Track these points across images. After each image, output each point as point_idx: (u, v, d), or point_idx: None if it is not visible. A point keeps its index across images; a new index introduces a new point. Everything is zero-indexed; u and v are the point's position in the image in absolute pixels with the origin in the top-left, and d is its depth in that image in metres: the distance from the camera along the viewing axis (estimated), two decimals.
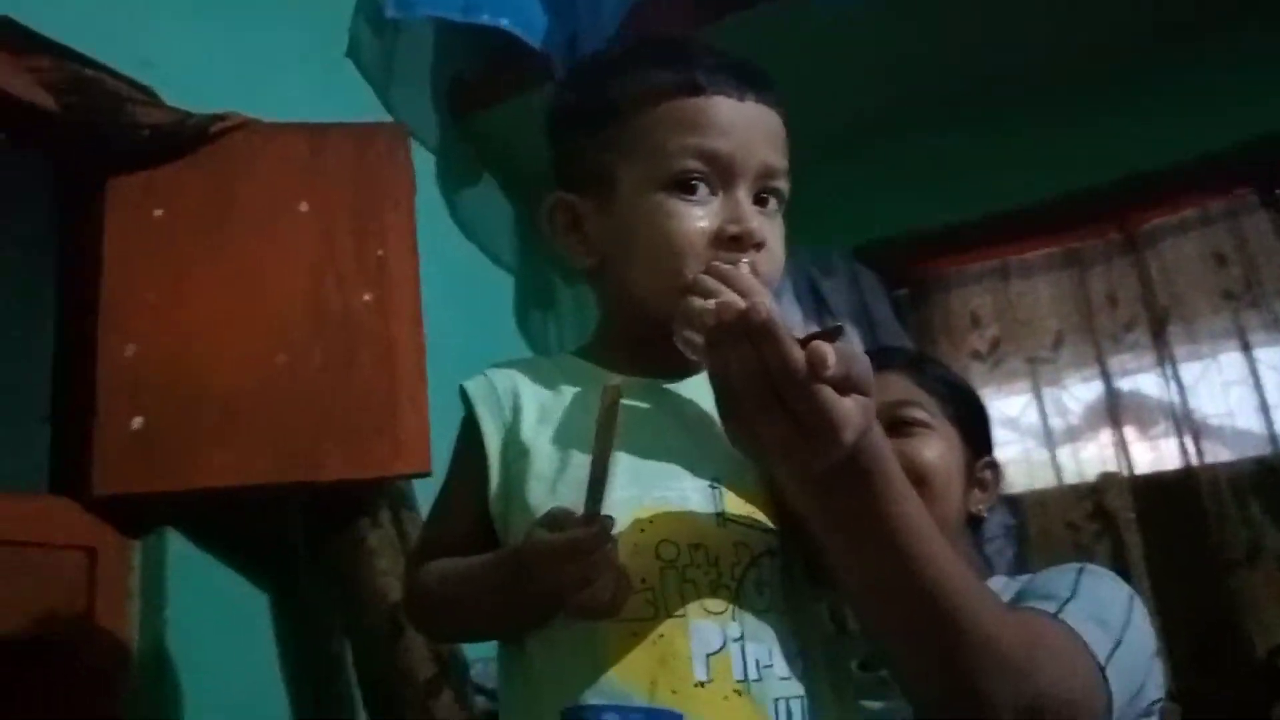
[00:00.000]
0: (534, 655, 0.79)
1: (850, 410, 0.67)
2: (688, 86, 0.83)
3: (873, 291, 2.56)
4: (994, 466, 1.23)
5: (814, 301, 2.43)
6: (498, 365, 0.91)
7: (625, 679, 0.73)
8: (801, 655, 0.78)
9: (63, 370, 1.56)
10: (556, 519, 0.73)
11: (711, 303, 0.70)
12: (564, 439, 0.82)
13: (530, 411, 0.85)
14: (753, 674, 0.74)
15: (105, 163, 1.55)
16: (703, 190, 0.82)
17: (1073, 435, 2.50)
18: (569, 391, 0.86)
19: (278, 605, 1.63)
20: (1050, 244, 2.53)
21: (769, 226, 0.83)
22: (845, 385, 0.67)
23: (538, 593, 0.73)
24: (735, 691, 0.73)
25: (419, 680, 1.54)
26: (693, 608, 0.75)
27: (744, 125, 0.83)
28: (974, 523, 1.21)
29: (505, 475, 0.83)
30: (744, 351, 0.66)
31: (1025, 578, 1.10)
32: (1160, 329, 2.37)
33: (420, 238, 1.66)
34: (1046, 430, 2.53)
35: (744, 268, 0.78)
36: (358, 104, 2.08)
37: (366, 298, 1.59)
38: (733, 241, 0.80)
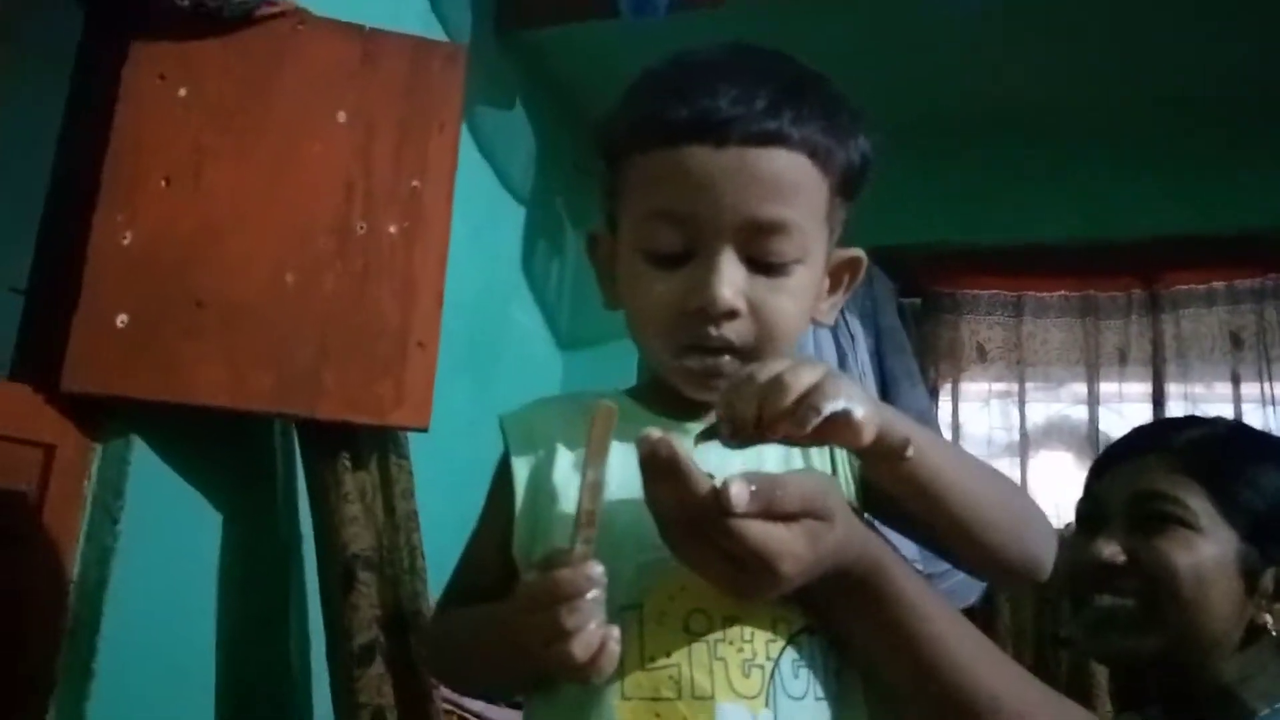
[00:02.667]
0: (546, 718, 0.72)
1: (787, 541, 0.62)
2: (661, 134, 0.72)
3: (884, 297, 2.50)
4: None
5: None
6: (543, 400, 0.84)
7: None
8: None
9: (47, 243, 1.42)
10: (546, 558, 0.66)
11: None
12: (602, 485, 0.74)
13: (566, 454, 0.77)
14: None
15: (134, 22, 1.40)
16: (680, 255, 0.72)
17: (1053, 481, 2.51)
18: (617, 439, 0.77)
19: (240, 531, 1.53)
20: (1070, 286, 2.50)
21: (766, 288, 0.72)
22: (776, 515, 0.62)
23: (520, 646, 0.65)
24: None
25: (354, 644, 1.44)
26: (721, 689, 0.67)
27: (718, 178, 0.70)
28: None
29: (532, 521, 0.76)
30: (664, 485, 0.63)
31: None
32: (1160, 396, 2.36)
33: None
34: (1024, 470, 2.53)
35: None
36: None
37: (393, 229, 1.47)
38: (698, 314, 0.71)
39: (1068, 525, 2.37)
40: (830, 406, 0.61)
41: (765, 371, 0.62)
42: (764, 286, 0.72)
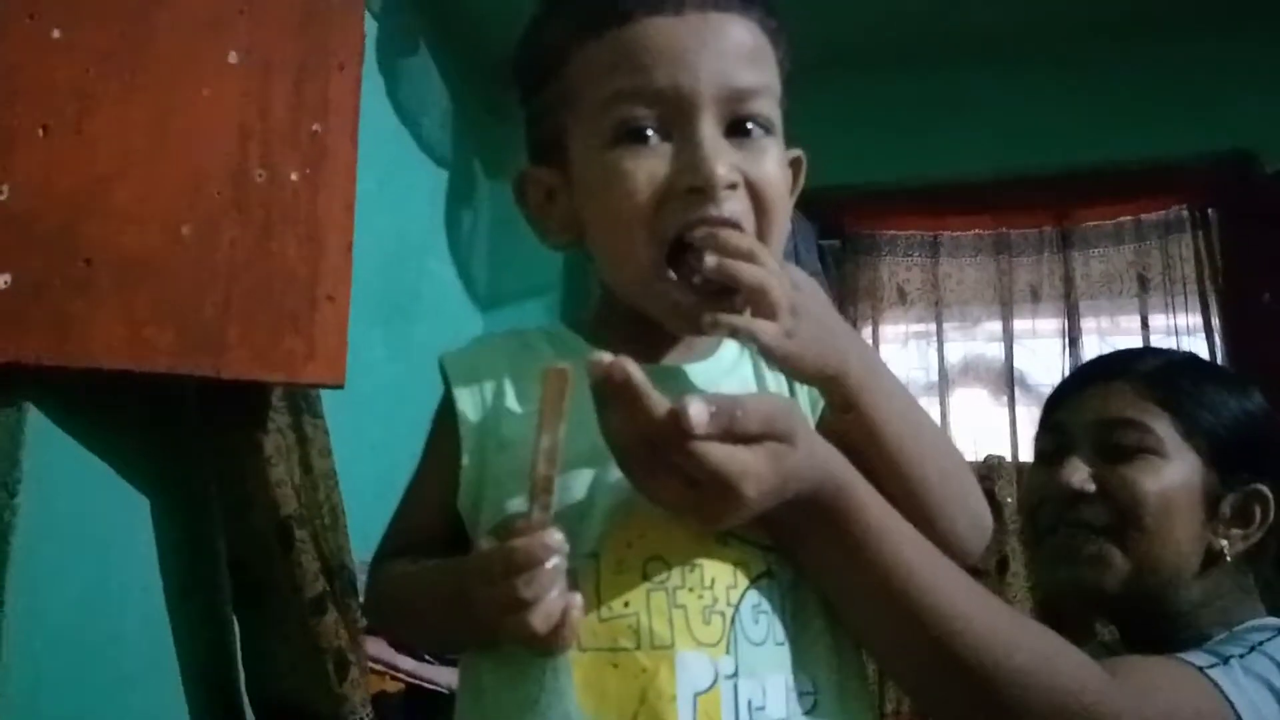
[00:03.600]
0: (488, 678, 0.70)
1: (749, 463, 0.61)
2: (608, 15, 0.68)
3: (805, 239, 2.50)
4: (1260, 498, 1.03)
5: None
6: (486, 338, 0.79)
7: (598, 716, 0.64)
8: (806, 692, 0.69)
9: None
10: (503, 526, 0.63)
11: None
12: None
13: (515, 398, 0.73)
14: (743, 716, 0.65)
15: None
16: (654, 138, 0.68)
17: (970, 416, 2.56)
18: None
19: (155, 501, 1.46)
20: (985, 224, 2.54)
21: (750, 157, 0.68)
22: (736, 438, 0.60)
23: (476, 615, 0.63)
24: None
25: (305, 597, 1.43)
26: (681, 637, 0.65)
27: (687, 45, 0.67)
28: (1252, 562, 1.05)
29: (479, 470, 0.72)
30: (618, 411, 0.61)
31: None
32: (1075, 334, 2.42)
33: None
34: (944, 408, 2.57)
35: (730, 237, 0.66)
36: None
37: (294, 175, 1.40)
38: (693, 194, 0.66)
39: (986, 459, 2.45)
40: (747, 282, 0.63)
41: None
42: (749, 154, 0.69)
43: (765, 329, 0.64)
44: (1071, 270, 2.44)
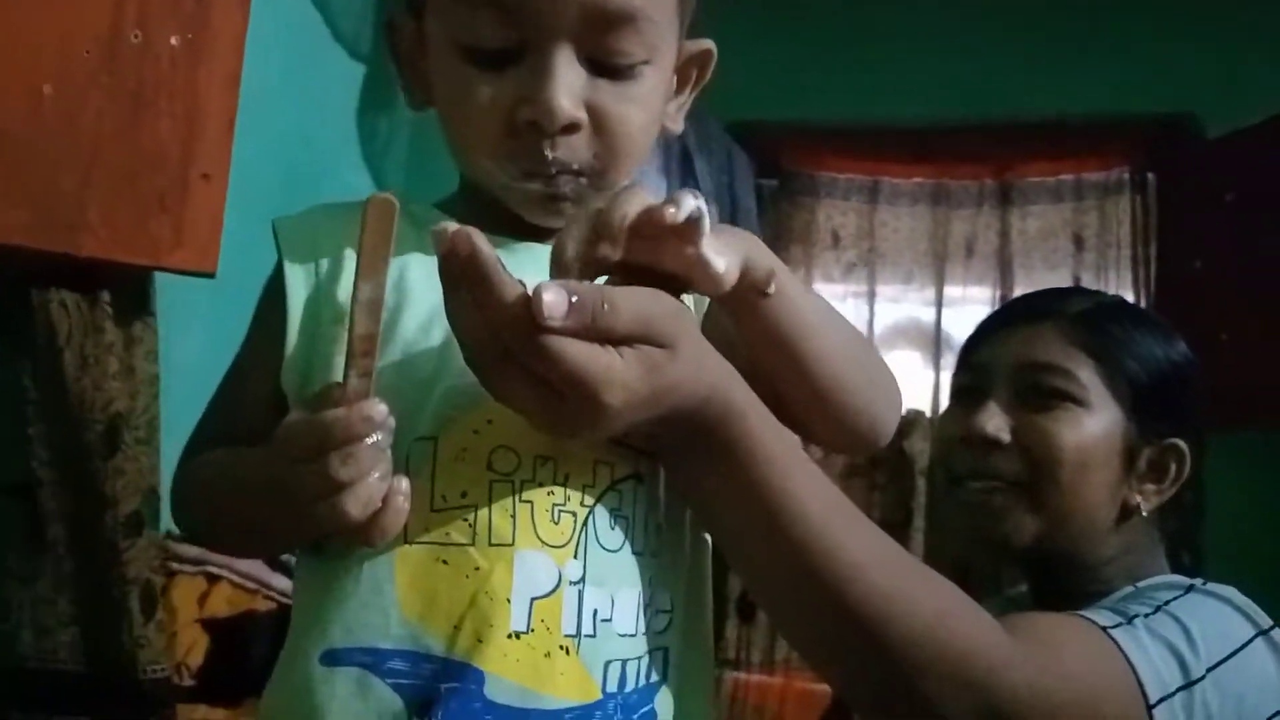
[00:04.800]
0: (311, 575, 0.61)
1: (613, 368, 0.51)
2: None
3: (743, 176, 2.43)
4: (1176, 452, 0.98)
5: (681, 170, 2.25)
6: (335, 204, 0.68)
7: (421, 618, 0.56)
8: (663, 611, 0.63)
9: None
10: (318, 396, 0.54)
11: None
12: (401, 305, 0.61)
13: (353, 268, 0.64)
14: (586, 628, 0.58)
15: None
16: (507, 51, 0.60)
17: (896, 369, 2.54)
18: (412, 248, 0.64)
19: None
20: (925, 173, 2.49)
21: (612, 94, 0.61)
22: (601, 336, 0.51)
23: (285, 500, 0.54)
24: (561, 648, 0.57)
25: (120, 513, 1.28)
26: (523, 535, 0.57)
27: None
28: (1162, 517, 1.00)
29: (308, 345, 0.62)
30: (464, 295, 0.51)
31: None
32: (1006, 291, 2.40)
33: None
34: None
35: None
36: None
37: (174, 41, 1.27)
38: (531, 128, 0.60)
39: (906, 413, 2.43)
40: (691, 203, 0.51)
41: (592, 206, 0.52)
42: (608, 93, 0.60)
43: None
44: (1008, 226, 2.41)
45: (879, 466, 2.36)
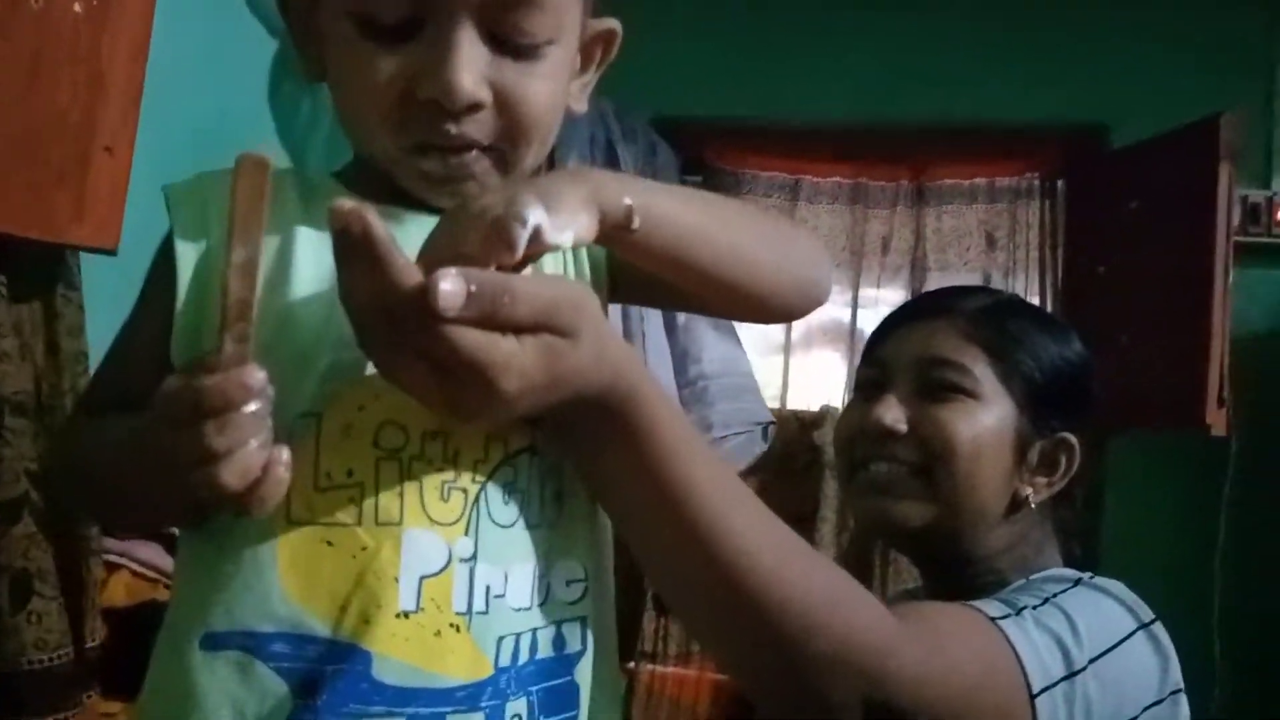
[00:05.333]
0: (191, 555, 0.60)
1: (510, 356, 0.51)
2: None
3: (667, 169, 2.43)
4: (1067, 446, 1.02)
5: (605, 164, 2.25)
6: (220, 171, 0.67)
7: (305, 600, 0.55)
8: (576, 580, 0.63)
9: None
10: (194, 362, 0.52)
11: None
12: (284, 284, 0.60)
13: None
14: (478, 604, 0.57)
15: None
16: (405, 24, 0.59)
17: (813, 363, 2.58)
18: (304, 219, 0.63)
19: None
20: (844, 173, 2.53)
21: (515, 73, 0.60)
22: (500, 325, 0.51)
23: (158, 469, 0.53)
24: (452, 626, 0.57)
25: None
26: (412, 514, 0.57)
27: None
28: (1054, 509, 1.03)
29: (196, 313, 0.61)
30: (359, 272, 0.50)
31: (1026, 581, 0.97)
32: (919, 290, 2.45)
33: None
34: (787, 350, 2.58)
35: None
36: None
37: (77, 7, 1.22)
38: (431, 105, 0.58)
39: (821, 408, 2.46)
40: (522, 233, 0.51)
41: (482, 212, 0.52)
42: (512, 70, 0.60)
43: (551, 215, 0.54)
44: (923, 225, 2.47)
45: (790, 458, 2.39)
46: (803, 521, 2.32)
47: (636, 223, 0.57)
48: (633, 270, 0.64)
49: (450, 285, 0.48)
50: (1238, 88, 2.28)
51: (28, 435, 1.24)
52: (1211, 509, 2.18)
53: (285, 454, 0.51)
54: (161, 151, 1.44)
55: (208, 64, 1.81)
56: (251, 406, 0.49)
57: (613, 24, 0.70)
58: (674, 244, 0.61)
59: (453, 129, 0.59)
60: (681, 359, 2.16)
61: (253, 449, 0.50)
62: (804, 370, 2.64)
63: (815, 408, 2.51)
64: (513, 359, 0.51)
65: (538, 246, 0.53)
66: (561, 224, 0.53)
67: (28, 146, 1.19)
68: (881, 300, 2.56)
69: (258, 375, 0.50)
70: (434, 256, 0.52)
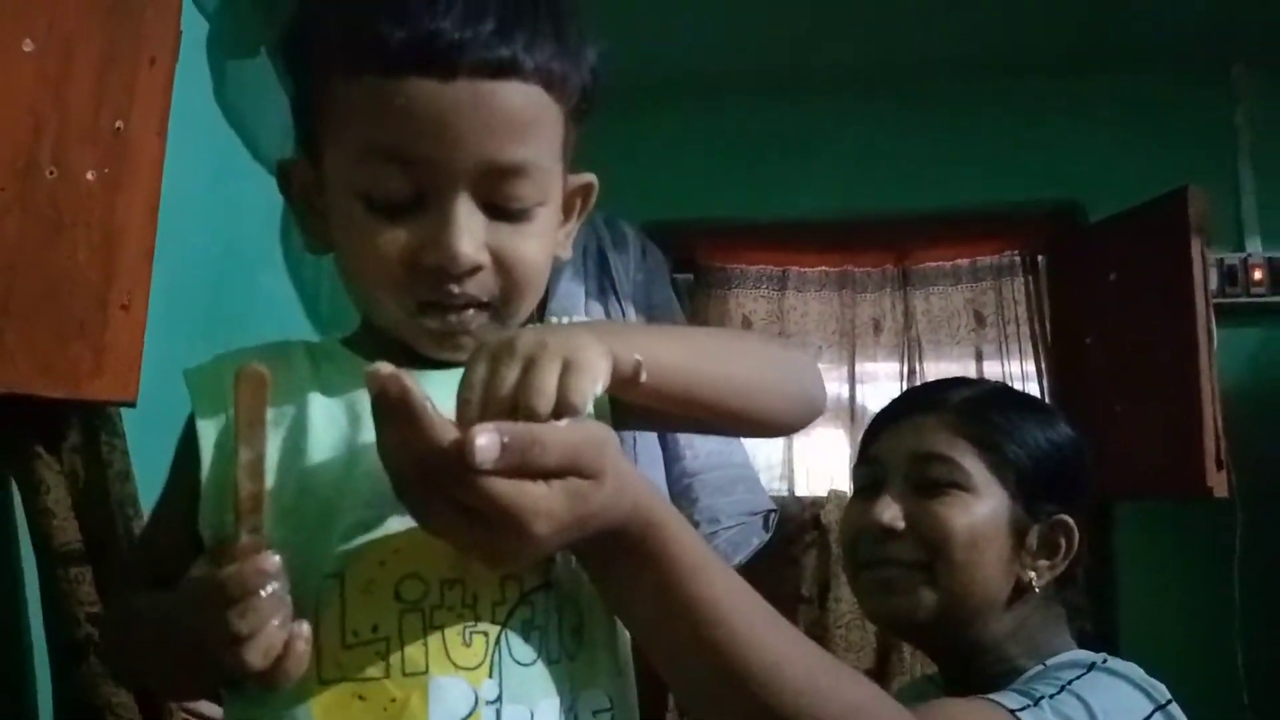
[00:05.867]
0: (231, 716, 0.64)
1: (541, 500, 0.55)
2: (376, 60, 0.62)
3: (659, 271, 2.50)
4: (1065, 528, 1.05)
5: (599, 273, 2.32)
6: (240, 351, 0.72)
7: None
8: (602, 710, 0.66)
9: None
10: (216, 551, 0.58)
11: None
12: (300, 452, 0.64)
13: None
14: None
15: None
16: (408, 201, 0.64)
17: (816, 443, 2.60)
18: (318, 393, 0.68)
19: None
20: (831, 261, 2.60)
21: (508, 236, 0.66)
22: (531, 473, 0.55)
23: (193, 649, 0.57)
24: None
25: (63, 639, 1.24)
26: (437, 661, 0.60)
27: (449, 119, 0.62)
28: (1059, 590, 1.06)
29: (220, 491, 0.64)
30: (396, 430, 0.55)
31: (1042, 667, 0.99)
32: (913, 367, 2.49)
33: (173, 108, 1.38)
34: (790, 443, 2.60)
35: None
36: None
37: (90, 175, 1.29)
38: (436, 272, 0.64)
39: (830, 492, 2.48)
40: (586, 400, 0.56)
41: (509, 367, 0.56)
42: (506, 233, 0.66)
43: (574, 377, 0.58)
44: (912, 306, 2.52)
45: (797, 541, 2.41)
46: (812, 603, 2.33)
47: (644, 376, 0.62)
48: (638, 408, 0.68)
49: (486, 440, 0.52)
50: (1204, 158, 2.36)
51: (85, 581, 1.28)
52: (1224, 572, 2.18)
53: (305, 628, 0.55)
54: (176, 292, 1.50)
55: (215, 206, 1.89)
56: (269, 589, 0.54)
57: (590, 178, 0.76)
58: (678, 387, 0.66)
59: (455, 289, 0.65)
60: (670, 457, 2.18)
61: (274, 628, 0.54)
62: (808, 451, 2.66)
63: (822, 490, 2.53)
64: (541, 503, 0.55)
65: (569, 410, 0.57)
66: (588, 388, 0.57)
67: (48, 306, 1.25)
68: (880, 374, 2.60)
69: (272, 560, 0.54)
70: (469, 400, 0.56)
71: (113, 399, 1.29)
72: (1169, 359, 2.13)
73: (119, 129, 1.32)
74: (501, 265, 0.66)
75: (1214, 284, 2.23)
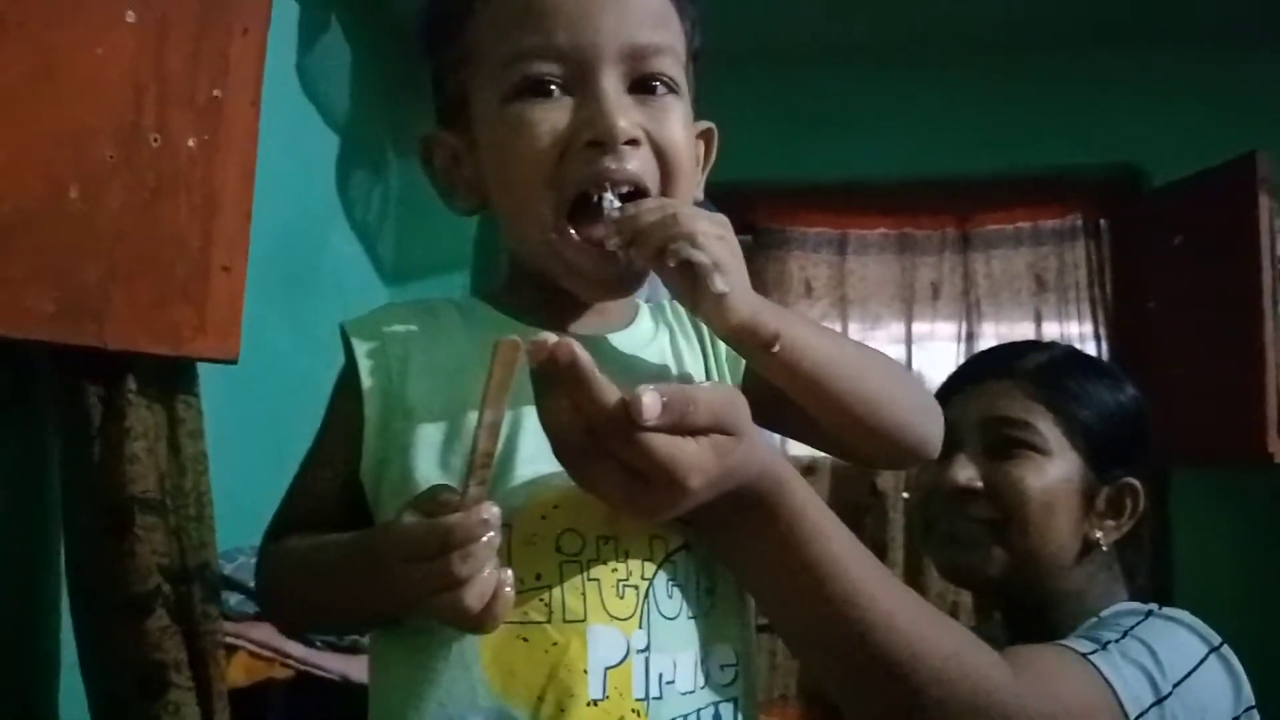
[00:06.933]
0: (391, 654, 0.68)
1: (695, 455, 0.59)
2: None
3: None
4: (1131, 490, 1.08)
5: None
6: (390, 306, 0.77)
7: (506, 692, 0.63)
8: (728, 664, 0.70)
9: None
10: (434, 501, 0.60)
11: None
12: (459, 402, 0.68)
13: (421, 365, 0.71)
14: (654, 691, 0.65)
15: None
16: (557, 92, 0.68)
17: None
18: (471, 344, 0.71)
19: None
20: (890, 224, 2.60)
21: (654, 116, 0.68)
22: (685, 430, 0.58)
23: (395, 591, 0.61)
24: (634, 711, 0.64)
25: (130, 593, 1.29)
26: (594, 611, 0.64)
27: (589, 4, 0.67)
28: (1121, 550, 1.08)
29: (383, 440, 0.69)
30: (560, 395, 0.58)
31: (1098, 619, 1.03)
32: (972, 329, 2.50)
33: None
34: None
35: (614, 207, 0.66)
36: None
37: (191, 142, 1.35)
38: (594, 148, 0.66)
39: None
40: (697, 255, 0.61)
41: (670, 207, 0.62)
42: (653, 112, 0.68)
43: (723, 268, 0.62)
44: (972, 270, 2.52)
45: (855, 507, 2.44)
46: None
47: (778, 347, 0.65)
48: (763, 394, 0.70)
49: (650, 399, 0.56)
50: (1266, 124, 2.33)
51: (159, 530, 1.34)
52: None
53: (509, 575, 0.59)
54: (257, 257, 1.55)
55: (290, 170, 1.94)
56: (488, 537, 0.57)
57: (709, 124, 0.78)
58: (808, 372, 0.67)
59: (613, 165, 0.66)
60: None
61: (488, 574, 0.57)
62: None
63: None
64: (695, 458, 0.59)
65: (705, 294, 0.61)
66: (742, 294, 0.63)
67: (153, 267, 1.31)
68: (938, 335, 2.60)
69: (494, 511, 0.57)
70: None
71: (215, 357, 1.35)
72: (1232, 324, 2.12)
73: (216, 97, 1.37)
74: (655, 143, 0.68)
75: (1279, 250, 2.20)
